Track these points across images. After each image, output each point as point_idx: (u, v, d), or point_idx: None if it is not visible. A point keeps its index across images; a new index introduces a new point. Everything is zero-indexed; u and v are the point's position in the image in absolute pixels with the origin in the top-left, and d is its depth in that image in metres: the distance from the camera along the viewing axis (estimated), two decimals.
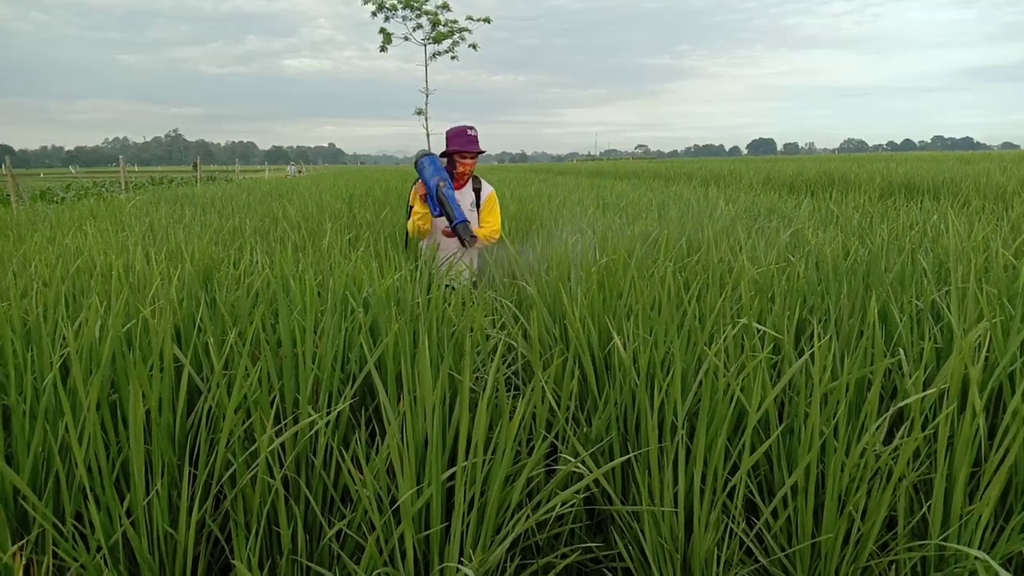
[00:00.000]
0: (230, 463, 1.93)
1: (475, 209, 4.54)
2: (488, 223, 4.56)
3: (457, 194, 4.41)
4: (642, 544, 1.94)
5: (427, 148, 4.75)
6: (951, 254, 3.17)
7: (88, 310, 2.28)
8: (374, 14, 41.62)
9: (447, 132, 4.47)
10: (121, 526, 1.80)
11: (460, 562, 1.79)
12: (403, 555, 1.81)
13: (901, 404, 1.90)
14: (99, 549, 1.80)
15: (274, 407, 2.04)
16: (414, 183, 4.38)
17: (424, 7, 41.62)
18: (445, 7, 41.94)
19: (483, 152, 4.45)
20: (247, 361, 1.96)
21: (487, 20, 41.79)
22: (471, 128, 4.42)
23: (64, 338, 2.28)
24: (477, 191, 4.58)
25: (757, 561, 1.94)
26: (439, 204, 4.12)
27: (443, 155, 4.48)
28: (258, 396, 1.96)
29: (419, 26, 42.43)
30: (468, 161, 4.39)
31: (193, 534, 1.82)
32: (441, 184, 4.12)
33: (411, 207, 4.40)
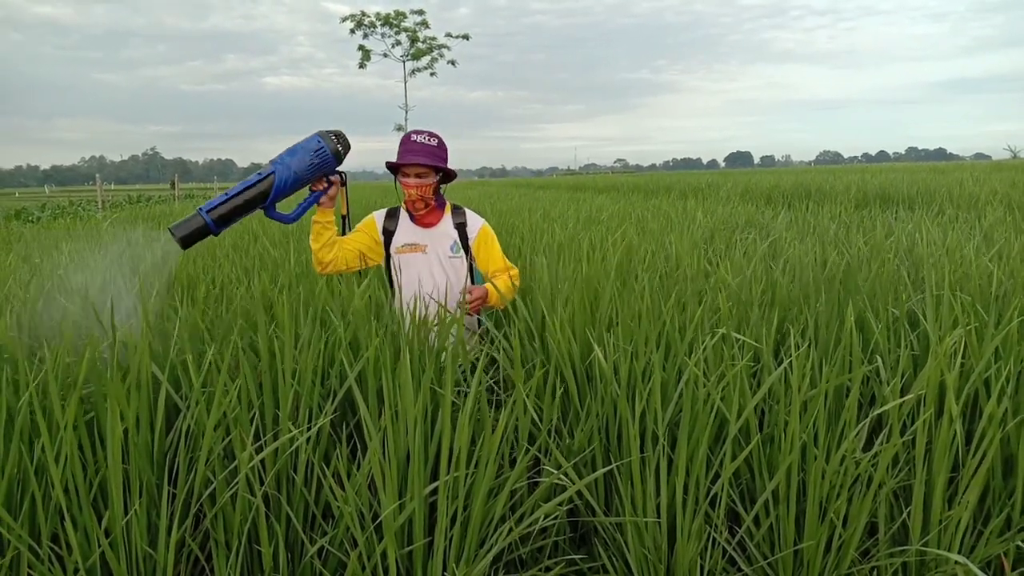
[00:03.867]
0: (210, 481, 1.91)
1: (461, 252, 3.13)
2: (491, 264, 3.14)
3: (427, 233, 3.08)
4: (625, 555, 1.94)
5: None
6: (926, 262, 3.22)
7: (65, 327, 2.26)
8: (353, 31, 41.77)
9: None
10: (99, 547, 1.78)
11: None
12: (386, 571, 1.80)
13: (879, 411, 1.92)
14: (76, 571, 1.78)
15: (254, 424, 2.02)
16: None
17: (403, 24, 41.85)
18: (424, 24, 42.19)
19: (440, 167, 2.99)
20: (226, 377, 1.94)
21: (466, 37, 42.08)
22: (418, 133, 3.03)
23: (39, 357, 2.25)
24: (461, 227, 3.14)
25: (740, 570, 1.95)
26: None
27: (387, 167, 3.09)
28: (238, 413, 1.94)
29: (398, 43, 42.64)
30: (410, 182, 2.96)
31: (173, 554, 1.79)
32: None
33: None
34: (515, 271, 3.16)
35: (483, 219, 3.23)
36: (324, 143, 2.73)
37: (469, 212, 3.22)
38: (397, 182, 3.02)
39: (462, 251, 3.14)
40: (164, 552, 1.78)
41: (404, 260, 3.08)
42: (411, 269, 3.07)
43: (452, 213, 3.18)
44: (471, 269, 3.16)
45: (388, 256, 3.12)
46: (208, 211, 2.50)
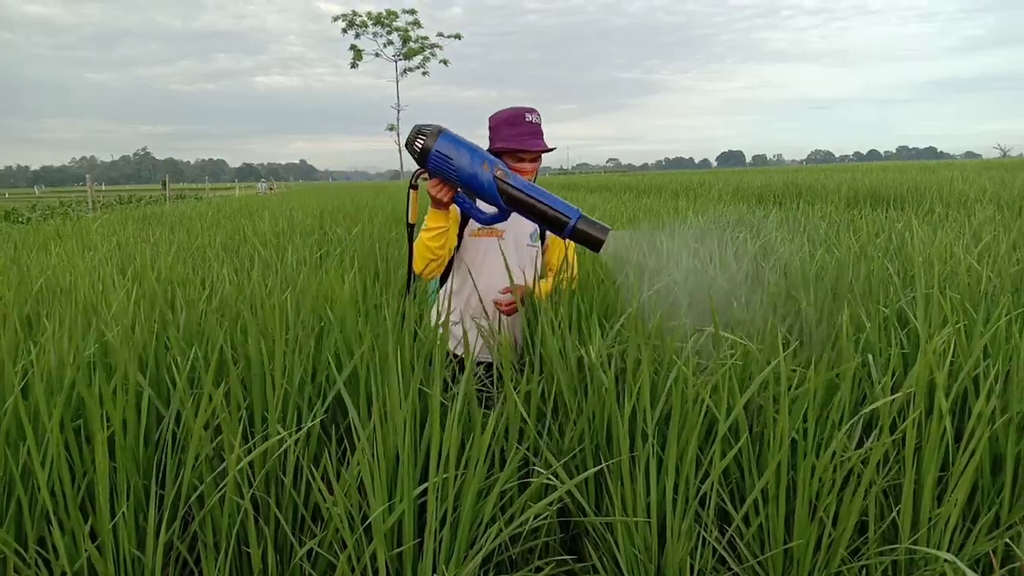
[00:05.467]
0: (198, 483, 1.90)
1: (537, 242, 2.91)
2: (560, 260, 2.91)
3: (509, 218, 2.62)
4: (616, 555, 1.94)
5: (427, 125, 2.46)
6: (916, 261, 3.23)
7: (50, 330, 2.24)
8: (344, 31, 41.73)
9: (491, 119, 2.84)
10: (86, 550, 1.76)
11: None
12: (375, 572, 1.79)
13: (869, 408, 1.92)
14: (63, 575, 1.76)
15: (242, 425, 2.01)
16: (410, 186, 2.62)
17: (394, 24, 41.82)
18: (416, 24, 42.16)
19: (551, 149, 2.77)
20: (212, 378, 1.93)
21: (458, 36, 42.06)
22: (531, 111, 2.76)
23: (25, 359, 2.23)
24: None
25: (730, 569, 1.95)
26: (513, 201, 2.42)
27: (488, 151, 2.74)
28: (225, 415, 1.93)
29: (390, 43, 42.63)
30: (527, 166, 2.74)
31: (161, 556, 1.78)
32: (498, 172, 2.39)
33: (411, 225, 2.68)
34: (575, 272, 2.87)
35: None
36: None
37: None
38: (497, 166, 2.45)
39: (539, 241, 2.94)
40: (152, 554, 1.77)
41: (477, 244, 2.85)
42: (483, 255, 2.85)
43: None
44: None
45: (460, 238, 2.85)
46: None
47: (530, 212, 2.43)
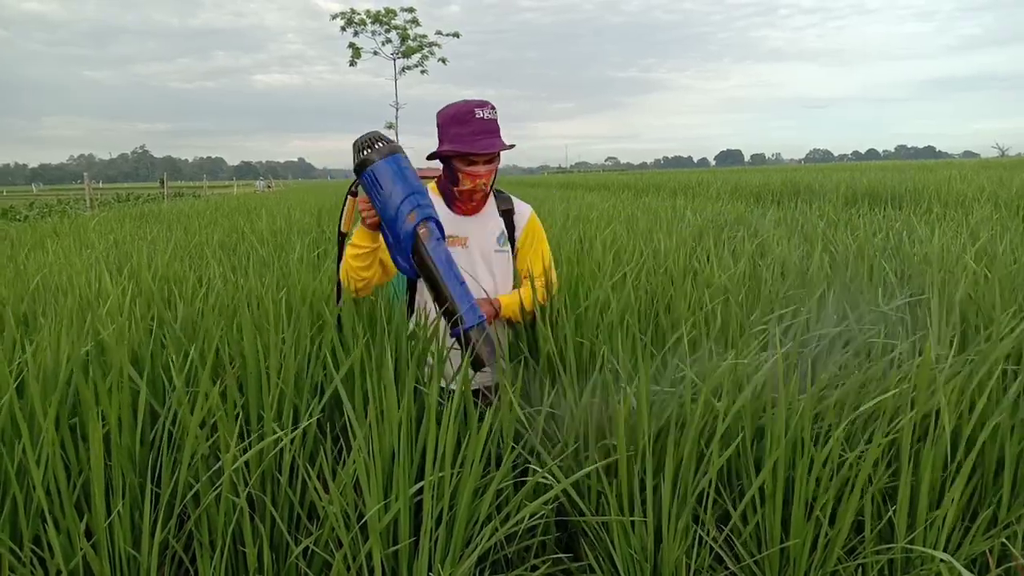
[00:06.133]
0: (194, 482, 1.89)
1: (506, 246, 2.59)
2: (535, 264, 2.58)
3: (468, 223, 2.49)
4: (612, 554, 1.93)
5: (386, 139, 2.23)
6: (915, 260, 3.23)
7: (46, 328, 2.23)
8: (343, 29, 41.67)
9: (439, 116, 2.45)
10: (81, 549, 1.76)
11: None
12: (371, 571, 1.79)
13: (868, 405, 1.91)
14: (59, 573, 1.76)
15: (238, 423, 2.01)
16: (349, 191, 2.35)
17: (393, 22, 41.77)
18: (414, 22, 42.11)
19: (511, 147, 2.41)
20: (208, 376, 1.93)
21: (456, 35, 42.02)
22: (482, 105, 2.37)
23: (21, 357, 2.23)
24: (507, 214, 2.59)
25: (727, 568, 1.95)
26: (420, 267, 2.17)
27: (432, 157, 2.48)
28: (222, 413, 1.92)
29: (388, 41, 42.55)
30: (480, 170, 2.38)
31: (156, 555, 1.78)
32: (421, 230, 2.12)
33: (343, 234, 2.42)
34: (553, 273, 2.61)
35: (530, 206, 2.67)
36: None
37: (514, 197, 2.65)
38: (448, 166, 2.41)
39: (509, 244, 2.59)
40: (148, 554, 1.76)
41: None
42: None
43: (496, 198, 2.58)
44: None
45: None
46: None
47: (431, 290, 2.18)
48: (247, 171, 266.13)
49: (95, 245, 5.68)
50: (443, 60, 42.00)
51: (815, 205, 8.97)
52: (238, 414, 2.02)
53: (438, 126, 2.44)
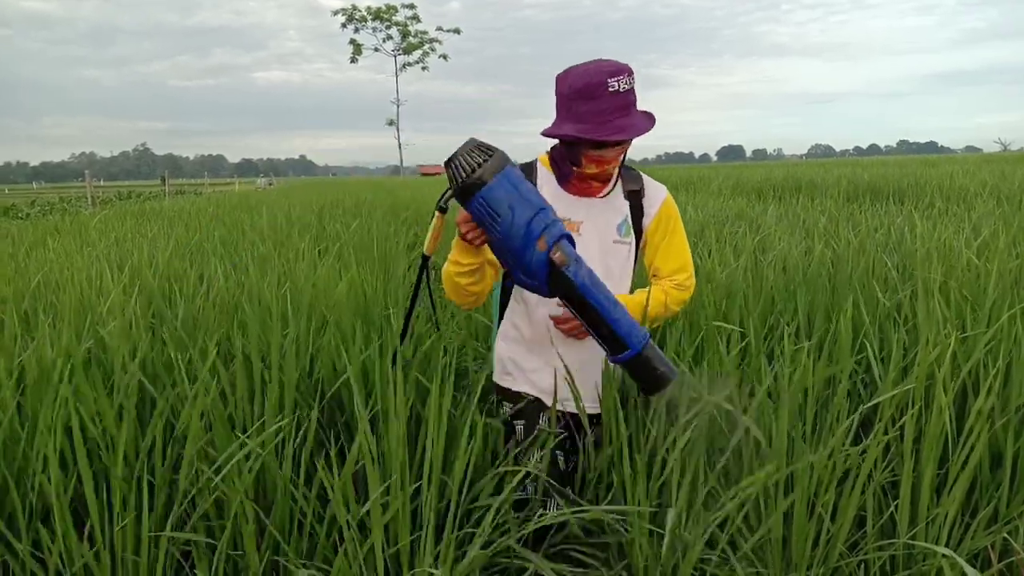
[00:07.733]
0: (195, 482, 1.89)
1: (629, 235, 2.09)
2: (669, 259, 2.11)
3: (585, 205, 2.04)
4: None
5: (487, 148, 1.69)
6: (917, 256, 3.22)
7: (46, 327, 2.23)
8: (344, 26, 41.60)
9: (559, 83, 1.91)
10: (83, 557, 1.75)
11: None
12: (373, 569, 1.78)
13: (870, 404, 1.91)
14: (58, 575, 1.75)
15: (240, 423, 2.00)
16: (437, 206, 1.80)
17: (394, 18, 41.69)
18: (415, 19, 42.02)
19: (651, 127, 1.90)
20: (207, 375, 1.92)
21: (457, 31, 41.92)
22: (618, 73, 1.84)
23: (21, 355, 2.23)
24: (635, 195, 2.09)
25: (727, 561, 1.94)
26: (563, 297, 1.77)
27: (548, 135, 1.95)
28: (222, 412, 1.92)
29: (389, 37, 42.49)
30: (609, 154, 1.91)
31: (163, 554, 1.77)
32: (556, 255, 1.69)
33: (427, 258, 1.91)
34: (691, 278, 2.13)
35: (664, 187, 2.15)
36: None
37: (647, 179, 2.13)
38: (570, 146, 1.94)
39: (632, 233, 2.10)
40: (147, 555, 1.76)
41: None
42: None
43: (623, 176, 2.09)
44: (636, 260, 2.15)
45: None
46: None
47: (579, 316, 1.78)
48: (248, 168, 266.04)
49: (96, 243, 5.68)
50: (444, 56, 41.88)
51: (817, 200, 8.95)
52: (239, 412, 2.01)
53: (557, 95, 1.92)
